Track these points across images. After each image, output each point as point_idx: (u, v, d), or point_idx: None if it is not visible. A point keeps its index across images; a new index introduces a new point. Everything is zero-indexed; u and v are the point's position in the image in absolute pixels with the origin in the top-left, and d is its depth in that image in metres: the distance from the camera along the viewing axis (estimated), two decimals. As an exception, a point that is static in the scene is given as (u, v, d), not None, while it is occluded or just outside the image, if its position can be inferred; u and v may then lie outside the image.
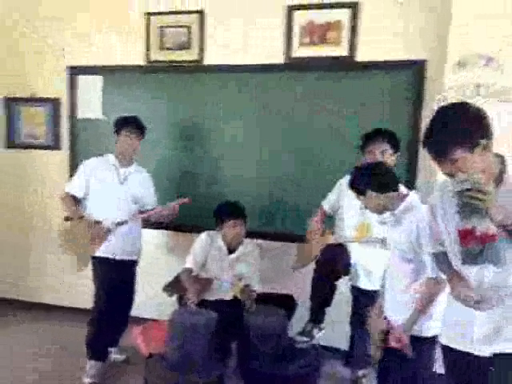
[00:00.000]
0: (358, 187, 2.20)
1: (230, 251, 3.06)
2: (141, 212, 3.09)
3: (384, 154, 2.64)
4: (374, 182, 2.15)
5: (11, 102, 4.00)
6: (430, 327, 2.03)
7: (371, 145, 2.68)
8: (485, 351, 1.62)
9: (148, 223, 3.26)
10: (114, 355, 3.25)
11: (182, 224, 3.45)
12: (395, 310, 2.11)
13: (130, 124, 3.01)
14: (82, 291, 3.67)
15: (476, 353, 1.64)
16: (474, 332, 1.64)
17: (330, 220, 2.95)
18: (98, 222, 2.91)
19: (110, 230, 2.92)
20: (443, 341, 1.80)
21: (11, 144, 4.05)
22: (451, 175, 1.52)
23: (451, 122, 1.53)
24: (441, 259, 1.82)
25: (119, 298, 3.06)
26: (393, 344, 2.05)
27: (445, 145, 1.50)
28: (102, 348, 3.07)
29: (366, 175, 2.19)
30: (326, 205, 2.95)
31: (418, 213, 2.05)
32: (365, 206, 2.28)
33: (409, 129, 3.09)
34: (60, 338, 3.55)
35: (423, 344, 2.04)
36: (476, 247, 1.50)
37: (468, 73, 2.81)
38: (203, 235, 3.10)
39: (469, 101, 2.67)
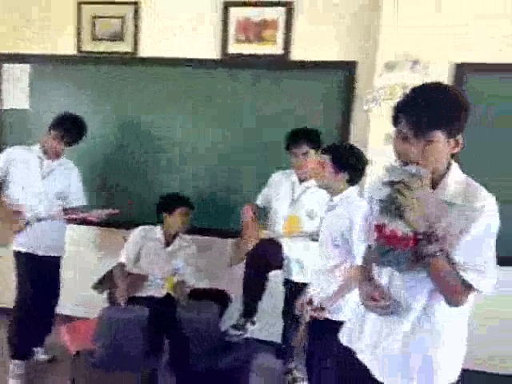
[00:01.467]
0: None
1: (167, 244, 3.03)
2: (64, 211, 2.98)
3: (305, 156, 2.70)
4: (335, 152, 2.20)
5: None
6: (345, 312, 2.11)
7: (293, 146, 2.72)
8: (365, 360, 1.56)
9: (74, 220, 3.15)
10: (40, 354, 3.13)
11: (116, 220, 3.37)
12: (320, 287, 2.20)
13: (65, 126, 2.87)
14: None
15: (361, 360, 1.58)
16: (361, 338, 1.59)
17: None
18: (16, 212, 2.78)
19: (29, 222, 2.80)
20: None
21: None
22: (404, 161, 1.39)
23: (447, 102, 1.35)
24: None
25: (42, 294, 2.94)
26: (311, 313, 2.12)
27: (432, 121, 1.33)
28: (26, 346, 2.95)
29: (337, 146, 2.28)
30: (259, 200, 2.99)
31: (353, 205, 2.13)
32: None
33: (339, 128, 3.17)
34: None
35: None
36: (383, 246, 1.40)
37: (396, 74, 2.94)
38: (137, 229, 3.07)
39: (396, 101, 2.86)
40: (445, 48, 2.85)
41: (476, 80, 2.88)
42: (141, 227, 3.07)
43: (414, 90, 1.40)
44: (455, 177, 1.41)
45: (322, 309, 2.13)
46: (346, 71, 3.15)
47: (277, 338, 3.10)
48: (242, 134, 3.32)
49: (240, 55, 3.27)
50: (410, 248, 1.35)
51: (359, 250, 1.93)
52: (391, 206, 1.36)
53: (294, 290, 2.69)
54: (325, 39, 3.16)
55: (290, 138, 2.76)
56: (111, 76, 3.47)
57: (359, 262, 1.96)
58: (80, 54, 3.51)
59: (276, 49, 3.23)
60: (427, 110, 1.33)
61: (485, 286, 1.34)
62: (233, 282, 3.02)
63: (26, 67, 3.59)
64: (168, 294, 2.88)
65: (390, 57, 2.92)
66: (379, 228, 1.40)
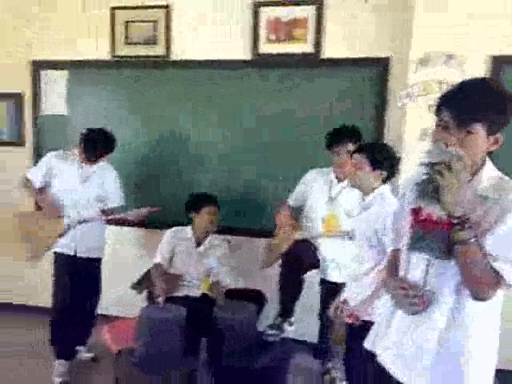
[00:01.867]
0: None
1: (198, 244, 3.07)
2: (104, 212, 3.05)
3: (349, 154, 2.63)
4: (371, 151, 2.20)
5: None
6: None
7: (336, 145, 2.68)
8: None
9: (114, 221, 3.23)
10: (83, 354, 3.21)
11: (151, 221, 3.43)
12: (356, 291, 2.18)
13: (86, 146, 2.90)
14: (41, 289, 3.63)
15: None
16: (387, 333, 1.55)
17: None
18: (59, 216, 2.87)
19: (70, 226, 2.88)
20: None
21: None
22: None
23: (491, 96, 1.34)
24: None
25: (83, 295, 3.03)
26: (346, 319, 2.11)
27: (474, 113, 1.33)
28: (68, 346, 3.04)
29: (372, 144, 2.29)
30: (291, 199, 2.98)
31: (387, 204, 2.12)
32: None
33: (374, 125, 3.15)
34: (23, 339, 3.47)
35: None
36: (418, 231, 1.37)
37: (430, 70, 2.89)
38: (169, 230, 3.12)
39: (431, 97, 2.82)
40: (480, 41, 2.79)
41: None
42: (173, 228, 3.12)
43: (460, 83, 1.41)
44: (489, 172, 1.40)
45: (356, 316, 2.11)
46: (379, 67, 3.12)
47: (314, 338, 3.09)
48: (277, 134, 3.33)
49: (271, 55, 3.28)
50: (443, 233, 1.33)
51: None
52: (429, 187, 1.32)
53: (330, 289, 2.68)
54: (356, 36, 3.14)
55: (332, 137, 2.72)
56: (145, 79, 3.53)
57: None
58: (114, 59, 3.58)
59: (307, 47, 3.23)
60: (471, 102, 1.34)
61: None
62: (267, 282, 3.04)
63: (64, 73, 3.69)
64: (204, 294, 2.91)
65: (424, 52, 2.88)
66: (415, 212, 1.38)
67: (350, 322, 2.10)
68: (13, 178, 3.73)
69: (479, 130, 1.33)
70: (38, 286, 3.81)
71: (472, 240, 1.29)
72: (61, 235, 2.88)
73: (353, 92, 3.17)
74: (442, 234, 1.34)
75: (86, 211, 2.96)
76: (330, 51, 3.19)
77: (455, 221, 1.30)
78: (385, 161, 2.19)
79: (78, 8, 3.61)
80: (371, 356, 1.60)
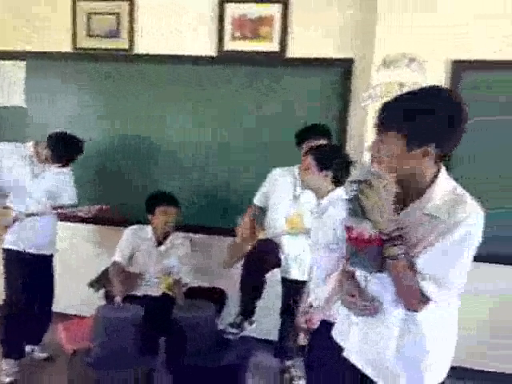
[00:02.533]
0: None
1: (159, 243, 3.02)
2: (54, 208, 2.95)
3: None
4: (318, 152, 2.19)
5: None
6: None
7: (309, 140, 2.66)
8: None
9: (67, 217, 3.13)
10: (37, 353, 3.11)
11: (111, 218, 3.35)
12: (321, 296, 2.18)
13: (56, 150, 2.80)
14: None
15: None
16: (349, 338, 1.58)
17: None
18: (6, 207, 2.76)
19: (18, 218, 2.78)
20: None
21: None
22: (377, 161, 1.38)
23: (419, 108, 1.29)
24: None
25: (35, 293, 2.94)
26: (302, 325, 2.11)
27: (390, 119, 1.32)
28: (18, 346, 2.93)
29: (319, 146, 2.27)
30: (257, 199, 2.96)
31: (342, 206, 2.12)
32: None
33: (337, 125, 3.16)
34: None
35: None
36: (351, 248, 1.39)
37: (392, 72, 2.93)
38: (129, 228, 3.07)
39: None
40: (442, 46, 2.86)
41: (473, 77, 2.88)
42: (132, 226, 3.06)
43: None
44: (442, 187, 1.34)
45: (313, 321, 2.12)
46: (342, 68, 3.14)
47: (274, 336, 3.09)
48: (240, 131, 3.30)
49: (236, 52, 3.25)
50: (375, 249, 1.34)
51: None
52: (356, 205, 1.33)
53: (292, 287, 2.69)
54: (321, 36, 3.15)
55: (304, 133, 2.72)
56: (107, 73, 3.45)
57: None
58: (75, 51, 3.48)
59: (273, 46, 3.21)
60: (393, 108, 1.33)
61: (440, 296, 1.31)
62: (230, 280, 3.02)
63: (22, 64, 3.57)
64: (164, 293, 2.87)
65: (386, 54, 2.92)
66: (348, 229, 1.39)
67: (306, 327, 2.10)
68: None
69: (392, 137, 1.31)
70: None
71: (402, 256, 1.29)
72: (6, 227, 2.76)
73: (317, 91, 3.18)
74: (375, 250, 1.34)
75: (35, 206, 2.86)
76: (295, 50, 3.19)
77: (385, 237, 1.31)
78: (331, 162, 2.17)
79: (39, -2, 3.50)
80: (338, 348, 1.60)
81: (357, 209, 1.33)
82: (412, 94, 1.34)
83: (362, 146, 2.98)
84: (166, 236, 3.04)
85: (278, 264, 2.83)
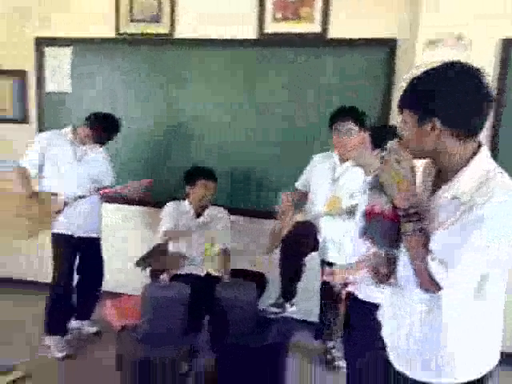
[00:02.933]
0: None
1: (198, 216, 3.08)
2: (99, 189, 3.07)
3: (349, 134, 2.63)
4: (375, 130, 2.16)
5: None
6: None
7: (336, 124, 2.67)
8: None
9: (111, 199, 3.24)
10: (86, 327, 3.26)
11: (152, 200, 3.43)
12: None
13: (95, 125, 2.95)
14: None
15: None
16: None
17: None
18: (54, 194, 2.88)
19: (67, 203, 2.90)
20: None
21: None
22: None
23: (422, 85, 1.29)
24: None
25: (84, 274, 3.12)
26: (325, 277, 2.11)
27: (403, 99, 1.33)
28: (60, 323, 3.05)
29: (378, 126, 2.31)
30: (299, 183, 2.98)
31: None
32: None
33: (380, 107, 3.13)
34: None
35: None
36: (364, 220, 1.42)
37: (438, 52, 2.86)
38: (169, 204, 3.14)
39: None
40: (490, 25, 2.75)
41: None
42: (171, 202, 3.14)
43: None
44: (476, 170, 1.27)
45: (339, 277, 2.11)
46: (386, 49, 3.08)
47: (315, 317, 3.12)
48: (281, 115, 3.31)
49: (277, 34, 3.24)
50: (387, 224, 1.35)
51: None
52: (377, 181, 1.37)
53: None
54: (363, 16, 3.09)
55: (334, 115, 2.71)
56: (148, 57, 3.50)
57: None
58: (118, 36, 3.54)
59: (314, 27, 3.19)
60: (408, 86, 1.32)
61: (445, 280, 1.25)
62: (271, 264, 3.06)
63: (68, 50, 3.66)
64: (208, 273, 2.94)
65: (432, 34, 2.85)
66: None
67: (328, 280, 2.10)
68: (17, 156, 3.77)
69: (407, 116, 1.31)
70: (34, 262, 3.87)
71: (416, 233, 1.29)
72: (58, 212, 2.88)
73: (360, 73, 3.15)
74: (386, 225, 1.36)
75: (82, 190, 2.98)
76: (336, 31, 3.16)
77: (401, 213, 1.31)
78: (384, 140, 2.15)
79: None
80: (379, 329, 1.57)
81: (376, 183, 1.37)
82: (427, 71, 1.31)
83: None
84: (203, 209, 3.09)
85: (316, 247, 2.84)
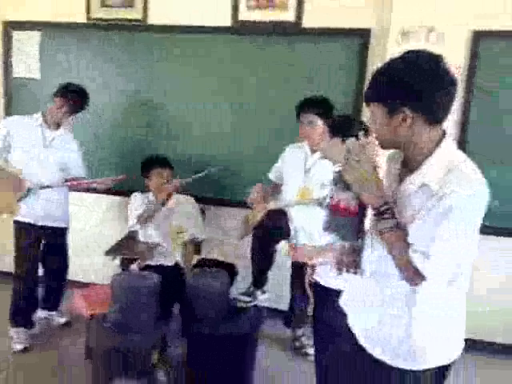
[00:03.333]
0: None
1: (163, 204, 3.03)
2: (67, 180, 2.99)
3: (311, 125, 2.62)
4: (330, 121, 2.20)
5: None
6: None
7: (300, 116, 2.66)
8: None
9: (79, 189, 3.17)
10: (56, 318, 3.21)
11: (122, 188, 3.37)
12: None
13: (68, 95, 2.86)
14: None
15: None
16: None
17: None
18: (20, 179, 2.77)
19: (31, 189, 2.80)
20: None
21: None
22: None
23: (385, 76, 1.31)
24: None
25: (48, 264, 3.06)
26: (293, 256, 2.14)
27: (369, 93, 1.35)
28: (26, 314, 3.00)
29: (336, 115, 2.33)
30: (272, 174, 2.98)
31: None
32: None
33: (353, 97, 3.14)
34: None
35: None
36: (328, 214, 1.47)
37: (411, 44, 2.88)
38: (134, 194, 3.09)
39: None
40: (461, 16, 2.79)
41: (493, 48, 2.83)
42: (136, 193, 3.09)
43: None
44: (442, 157, 1.29)
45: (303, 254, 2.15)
46: (359, 39, 3.09)
47: (285, 306, 3.14)
48: (254, 103, 3.29)
49: (252, 22, 3.22)
50: (350, 220, 1.41)
51: None
52: (339, 177, 1.41)
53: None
54: (338, 5, 3.08)
55: (298, 107, 2.71)
56: (120, 43, 3.44)
57: None
58: (90, 21, 3.47)
59: (288, 15, 3.17)
60: (372, 79, 1.34)
61: (428, 270, 1.25)
62: (241, 252, 3.06)
63: (36, 35, 3.56)
64: (177, 264, 2.92)
65: (405, 25, 2.87)
66: (330, 197, 1.48)
67: (294, 259, 2.14)
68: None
69: (377, 108, 1.32)
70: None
71: (392, 230, 1.30)
72: (21, 199, 2.79)
73: (333, 63, 3.14)
74: (349, 220, 1.42)
75: (48, 177, 2.89)
76: (311, 20, 3.14)
77: (374, 211, 1.34)
78: (341, 128, 2.13)
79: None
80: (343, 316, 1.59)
81: (340, 179, 1.40)
82: (389, 62, 1.32)
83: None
84: (168, 198, 3.05)
85: (288, 234, 2.85)
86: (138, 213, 2.93)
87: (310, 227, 2.72)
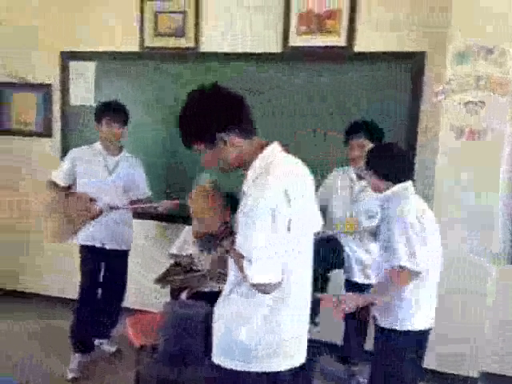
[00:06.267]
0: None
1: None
2: (132, 203, 3.02)
3: (362, 148, 2.57)
4: (377, 162, 2.15)
5: (2, 87, 3.89)
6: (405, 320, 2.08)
7: (350, 139, 2.64)
8: None
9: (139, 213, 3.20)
10: (105, 346, 3.21)
11: (171, 215, 3.36)
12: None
13: (110, 111, 2.88)
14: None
15: None
16: None
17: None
18: (91, 200, 2.76)
19: (102, 211, 2.80)
20: None
21: (1, 131, 3.95)
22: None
23: (193, 116, 1.49)
24: None
25: (108, 288, 3.03)
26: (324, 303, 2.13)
27: (188, 136, 1.51)
28: (86, 340, 3.01)
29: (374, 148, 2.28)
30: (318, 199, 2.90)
31: (402, 204, 2.06)
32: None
33: (407, 122, 3.03)
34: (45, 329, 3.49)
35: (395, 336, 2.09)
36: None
37: (468, 65, 2.77)
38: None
39: (468, 93, 2.72)
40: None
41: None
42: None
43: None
44: (257, 167, 1.46)
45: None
46: (414, 62, 3.00)
47: (338, 339, 3.00)
48: (305, 129, 3.22)
49: (302, 48, 3.19)
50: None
51: (398, 247, 1.96)
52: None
53: (356, 291, 2.60)
54: (391, 28, 3.01)
55: (348, 130, 2.69)
56: (172, 72, 3.48)
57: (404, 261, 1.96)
58: (142, 51, 3.54)
59: (340, 40, 3.12)
60: (181, 129, 1.51)
61: (253, 274, 1.35)
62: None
63: (92, 64, 3.67)
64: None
65: (462, 46, 2.76)
66: None
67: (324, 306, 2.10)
68: (40, 169, 3.78)
69: (200, 147, 1.50)
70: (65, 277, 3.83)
71: (231, 245, 1.44)
72: (93, 218, 2.78)
73: (386, 87, 3.06)
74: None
75: (115, 202, 2.91)
76: (363, 44, 3.09)
77: (215, 234, 1.49)
78: (379, 163, 2.14)
79: (107, -1, 3.59)
80: None
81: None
82: (185, 104, 1.51)
83: (435, 143, 2.85)
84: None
85: (340, 264, 2.76)
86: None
87: (364, 259, 2.63)
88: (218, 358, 1.54)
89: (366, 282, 2.62)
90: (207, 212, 1.50)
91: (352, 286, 2.76)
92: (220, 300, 1.58)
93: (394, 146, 2.27)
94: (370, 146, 2.55)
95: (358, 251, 2.70)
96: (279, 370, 1.48)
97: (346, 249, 2.73)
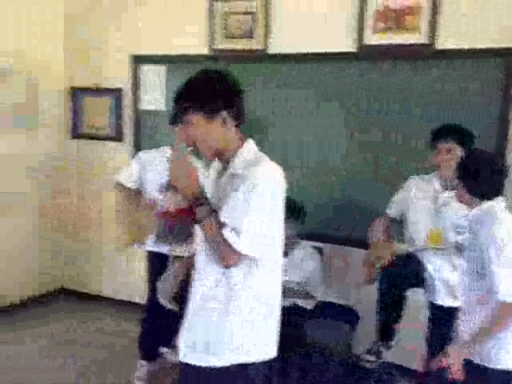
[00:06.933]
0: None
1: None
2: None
3: (451, 153, 2.36)
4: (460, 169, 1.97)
5: (76, 93, 4.01)
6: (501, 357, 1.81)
7: (438, 143, 2.43)
8: None
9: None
10: (169, 355, 3.17)
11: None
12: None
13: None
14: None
15: None
16: None
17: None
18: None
19: None
20: None
21: (76, 134, 4.07)
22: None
23: (199, 86, 1.52)
24: None
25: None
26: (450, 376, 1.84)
27: (186, 106, 1.51)
28: (153, 347, 2.99)
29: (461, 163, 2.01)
30: (391, 209, 2.68)
31: (490, 221, 1.84)
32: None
33: (496, 124, 2.76)
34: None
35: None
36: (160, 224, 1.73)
37: None
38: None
39: None
40: None
41: None
42: None
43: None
44: (245, 154, 1.52)
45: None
46: (504, 60, 2.72)
47: (415, 364, 2.76)
48: (385, 133, 3.04)
49: (379, 46, 2.99)
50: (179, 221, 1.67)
51: (500, 279, 1.71)
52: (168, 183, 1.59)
53: (441, 314, 2.36)
54: (477, 24, 2.75)
55: (435, 134, 2.47)
56: (243, 74, 3.37)
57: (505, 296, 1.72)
58: (212, 53, 3.48)
59: (420, 37, 2.90)
60: (183, 97, 1.52)
61: (241, 244, 1.39)
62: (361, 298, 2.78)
63: (162, 68, 3.67)
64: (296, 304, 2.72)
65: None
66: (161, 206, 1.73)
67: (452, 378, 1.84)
68: (113, 174, 3.81)
69: (197, 119, 1.49)
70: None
71: (209, 214, 1.43)
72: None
73: (472, 88, 2.80)
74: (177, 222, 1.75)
75: None
76: (445, 41, 2.84)
77: (192, 201, 1.45)
78: (486, 191, 1.90)
79: (177, 2, 3.57)
80: None
81: (169, 186, 1.55)
82: (191, 79, 1.55)
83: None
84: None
85: (420, 283, 2.52)
86: None
87: (449, 278, 2.37)
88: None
89: (452, 304, 2.33)
90: (185, 175, 1.49)
91: (436, 309, 2.49)
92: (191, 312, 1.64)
93: (497, 158, 2.05)
94: (458, 151, 2.34)
95: (443, 270, 2.44)
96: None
97: (429, 266, 2.47)
